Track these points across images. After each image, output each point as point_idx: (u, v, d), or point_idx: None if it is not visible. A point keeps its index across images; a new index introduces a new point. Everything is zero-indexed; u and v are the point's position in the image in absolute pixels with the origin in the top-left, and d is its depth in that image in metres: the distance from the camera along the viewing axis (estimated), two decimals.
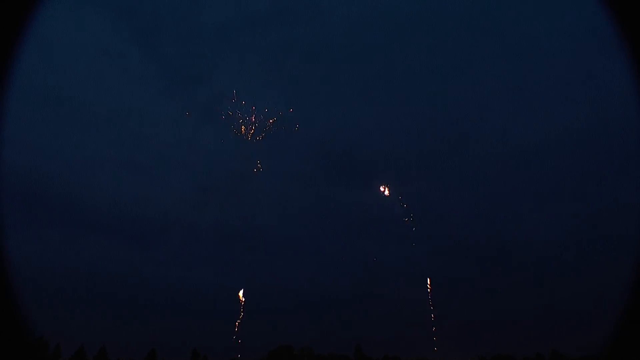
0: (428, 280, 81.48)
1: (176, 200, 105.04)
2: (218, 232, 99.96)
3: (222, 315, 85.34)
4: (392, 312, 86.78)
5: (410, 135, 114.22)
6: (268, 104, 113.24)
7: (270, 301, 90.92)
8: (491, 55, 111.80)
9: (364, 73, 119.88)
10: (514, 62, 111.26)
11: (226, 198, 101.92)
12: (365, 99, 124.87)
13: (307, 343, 77.71)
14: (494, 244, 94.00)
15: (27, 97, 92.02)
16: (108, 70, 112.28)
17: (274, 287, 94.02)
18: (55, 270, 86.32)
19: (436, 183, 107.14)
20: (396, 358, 79.30)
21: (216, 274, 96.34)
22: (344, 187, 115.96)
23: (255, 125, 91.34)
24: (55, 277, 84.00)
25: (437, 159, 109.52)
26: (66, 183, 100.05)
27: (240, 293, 79.70)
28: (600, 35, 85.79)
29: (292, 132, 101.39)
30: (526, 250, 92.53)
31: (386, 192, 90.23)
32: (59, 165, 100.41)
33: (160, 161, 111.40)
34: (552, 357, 72.47)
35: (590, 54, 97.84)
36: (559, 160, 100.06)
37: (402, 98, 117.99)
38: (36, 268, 78.69)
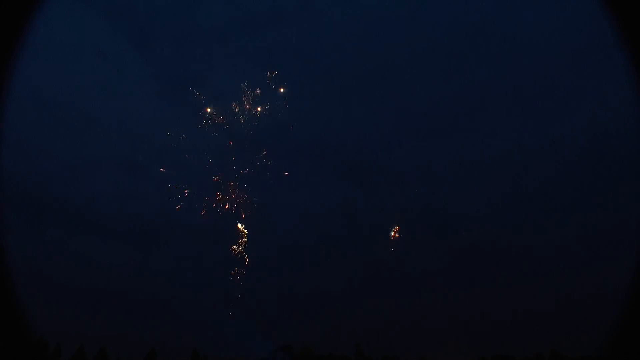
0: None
1: (175, 200, 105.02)
2: (217, 233, 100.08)
3: (222, 315, 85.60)
4: (392, 312, 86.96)
5: (408, 136, 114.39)
6: (265, 106, 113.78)
7: (270, 301, 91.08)
8: (489, 57, 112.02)
9: (361, 74, 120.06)
10: (512, 64, 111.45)
11: (225, 198, 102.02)
12: (363, 100, 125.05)
13: (307, 343, 77.79)
14: (494, 244, 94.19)
15: (25, 99, 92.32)
16: (105, 71, 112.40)
17: (274, 287, 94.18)
18: (55, 270, 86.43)
19: (435, 183, 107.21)
20: (396, 358, 79.31)
21: (217, 274, 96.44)
22: (344, 187, 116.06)
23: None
24: (55, 277, 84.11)
25: (436, 160, 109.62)
26: (65, 184, 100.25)
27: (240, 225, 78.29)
28: (599, 37, 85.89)
29: (288, 133, 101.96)
30: (526, 250, 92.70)
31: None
32: (58, 166, 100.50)
33: (158, 162, 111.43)
34: (552, 357, 72.46)
35: (589, 56, 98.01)
36: (558, 161, 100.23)
37: (399, 99, 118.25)
38: (36, 268, 78.81)
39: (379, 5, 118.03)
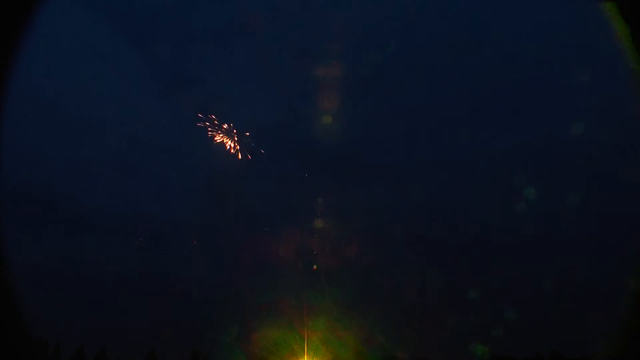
0: None
1: (175, 201, 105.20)
2: (217, 232, 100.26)
3: (222, 315, 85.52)
4: (390, 312, 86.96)
5: (407, 136, 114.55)
6: (263, 107, 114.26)
7: (269, 301, 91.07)
8: (487, 57, 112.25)
9: (359, 74, 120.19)
10: (510, 64, 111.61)
11: (223, 198, 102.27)
12: (361, 101, 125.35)
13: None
14: (494, 244, 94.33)
15: (26, 99, 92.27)
16: (104, 72, 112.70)
17: (274, 286, 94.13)
18: (55, 270, 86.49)
19: (434, 184, 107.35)
20: (396, 358, 79.29)
21: (216, 274, 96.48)
22: (341, 187, 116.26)
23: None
24: (55, 277, 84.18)
25: (435, 160, 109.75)
26: (65, 184, 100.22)
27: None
28: (599, 36, 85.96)
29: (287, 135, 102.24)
30: (526, 249, 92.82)
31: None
32: (58, 167, 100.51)
33: (157, 162, 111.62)
34: (552, 357, 72.48)
35: (589, 56, 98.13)
36: (557, 161, 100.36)
37: (397, 99, 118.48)
38: (36, 268, 78.82)
39: (377, 5, 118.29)
